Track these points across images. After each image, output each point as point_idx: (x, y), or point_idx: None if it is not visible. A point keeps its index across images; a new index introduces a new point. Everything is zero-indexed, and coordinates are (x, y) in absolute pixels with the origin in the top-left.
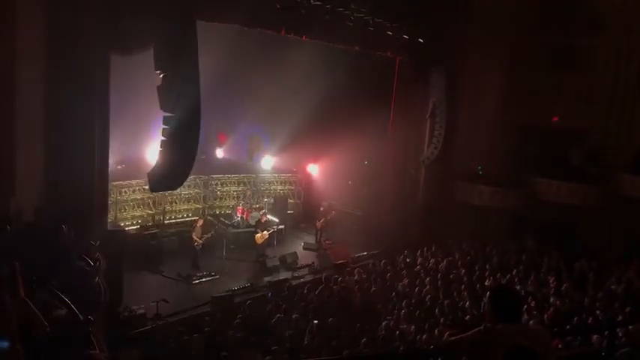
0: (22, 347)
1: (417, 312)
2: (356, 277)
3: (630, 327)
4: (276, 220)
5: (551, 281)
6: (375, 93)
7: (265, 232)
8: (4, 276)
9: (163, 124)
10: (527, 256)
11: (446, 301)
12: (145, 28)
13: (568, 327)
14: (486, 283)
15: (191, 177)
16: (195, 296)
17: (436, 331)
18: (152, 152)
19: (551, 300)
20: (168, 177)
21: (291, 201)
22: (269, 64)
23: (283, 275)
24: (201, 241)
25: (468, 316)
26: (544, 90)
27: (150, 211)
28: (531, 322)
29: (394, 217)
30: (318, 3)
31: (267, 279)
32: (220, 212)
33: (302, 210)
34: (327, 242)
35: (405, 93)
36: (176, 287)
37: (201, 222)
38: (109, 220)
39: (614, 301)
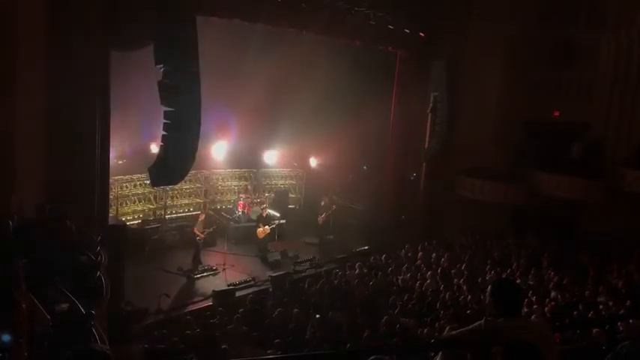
0: (25, 341)
1: (418, 306)
2: (357, 272)
3: (631, 320)
4: (278, 214)
5: (551, 275)
6: (376, 87)
7: (267, 226)
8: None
9: (164, 118)
10: (528, 250)
11: (447, 295)
12: (145, 23)
13: (568, 321)
14: (487, 277)
15: (192, 171)
16: (197, 291)
17: (437, 325)
18: (153, 147)
19: (552, 294)
20: (169, 171)
21: (292, 195)
22: (270, 57)
23: (284, 269)
24: (203, 236)
25: (468, 310)
26: (545, 84)
27: (151, 206)
28: (532, 316)
29: (395, 212)
30: None
31: (268, 273)
32: (222, 207)
33: (303, 204)
34: (328, 237)
35: (406, 87)
36: (177, 282)
37: (203, 216)
38: (111, 215)
39: (614, 295)
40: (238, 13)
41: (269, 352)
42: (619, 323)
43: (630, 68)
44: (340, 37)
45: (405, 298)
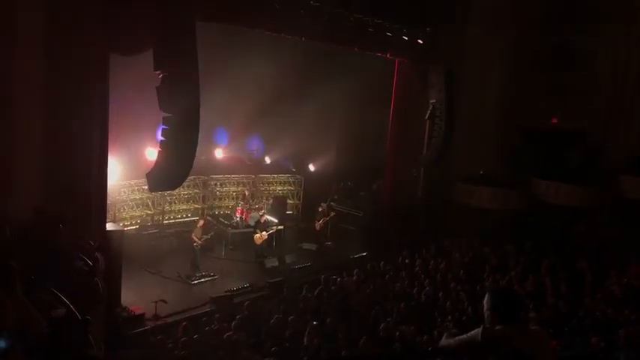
0: (20, 347)
1: (416, 313)
2: (355, 278)
3: (630, 328)
4: (275, 220)
5: (549, 282)
6: (375, 94)
7: (264, 232)
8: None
9: (163, 124)
10: (526, 257)
11: (445, 302)
12: (144, 28)
13: (567, 328)
14: (485, 284)
15: (190, 177)
16: (194, 297)
17: (435, 332)
18: (151, 152)
19: (550, 301)
20: (167, 177)
21: (290, 201)
22: (268, 63)
23: (282, 276)
24: (200, 242)
25: (465, 317)
26: (544, 90)
27: (149, 212)
28: (530, 324)
29: (393, 218)
30: (317, 4)
31: (266, 279)
32: (219, 212)
33: (301, 210)
34: (326, 243)
35: (405, 93)
36: (175, 287)
37: (201, 222)
38: (108, 220)
39: (612, 303)
40: (237, 20)
41: (266, 359)
42: (617, 330)
43: (629, 75)
44: (339, 43)
45: (403, 305)
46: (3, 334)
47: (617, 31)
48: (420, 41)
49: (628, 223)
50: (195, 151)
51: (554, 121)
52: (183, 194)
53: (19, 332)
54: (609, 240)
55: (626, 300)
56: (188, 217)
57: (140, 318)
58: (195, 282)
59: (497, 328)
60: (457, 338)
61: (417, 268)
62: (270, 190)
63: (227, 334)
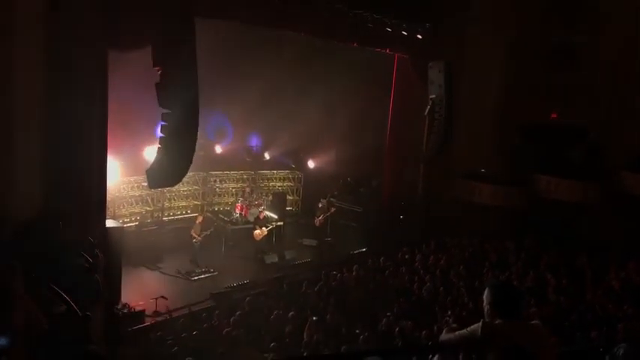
0: (22, 343)
1: (416, 308)
2: (355, 274)
3: (629, 323)
4: (275, 216)
5: (550, 278)
6: (374, 90)
7: (264, 228)
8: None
9: (162, 120)
10: (526, 252)
11: (445, 298)
12: (143, 24)
13: (567, 323)
14: (485, 280)
15: (190, 173)
16: (194, 293)
17: (435, 327)
18: (151, 149)
19: (550, 297)
20: (166, 174)
21: (290, 197)
22: (267, 59)
23: (282, 272)
24: (199, 238)
25: (465, 312)
26: (544, 87)
27: (148, 208)
28: (530, 319)
29: (393, 214)
30: None
31: (265, 275)
32: (219, 209)
33: (301, 207)
34: (325, 239)
35: (404, 90)
36: (175, 284)
37: (200, 219)
38: (108, 217)
39: (613, 298)
40: (237, 16)
41: (266, 355)
42: (617, 325)
43: (629, 74)
44: (338, 39)
45: (403, 300)
46: (5, 331)
47: (617, 31)
48: (419, 37)
49: (629, 218)
50: (194, 147)
51: (554, 116)
52: (183, 191)
53: (20, 329)
54: (609, 236)
55: (625, 295)
56: (188, 214)
57: (140, 314)
58: (195, 278)
59: (497, 322)
60: (457, 333)
61: (416, 264)
62: (269, 187)
63: (226, 329)
